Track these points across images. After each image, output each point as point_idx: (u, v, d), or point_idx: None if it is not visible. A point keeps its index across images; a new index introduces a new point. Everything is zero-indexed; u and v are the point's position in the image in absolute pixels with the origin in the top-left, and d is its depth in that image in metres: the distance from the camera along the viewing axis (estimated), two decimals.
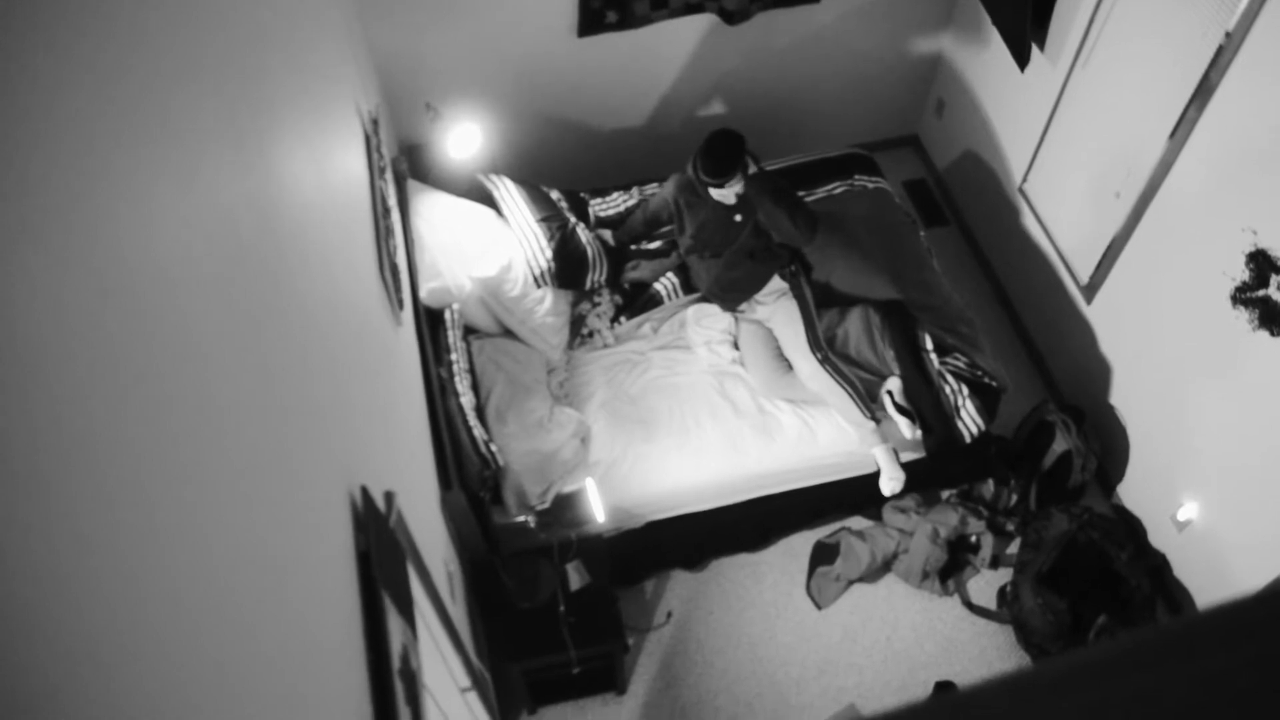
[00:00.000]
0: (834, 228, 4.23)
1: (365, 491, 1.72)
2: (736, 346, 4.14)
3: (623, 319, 4.21)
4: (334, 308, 1.90)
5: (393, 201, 3.39)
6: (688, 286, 4.28)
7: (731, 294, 4.13)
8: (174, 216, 1.06)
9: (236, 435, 1.11)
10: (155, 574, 0.83)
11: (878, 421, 3.89)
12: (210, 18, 1.39)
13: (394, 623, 1.64)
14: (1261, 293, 3.20)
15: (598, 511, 3.28)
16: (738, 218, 3.90)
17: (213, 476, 1.01)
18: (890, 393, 3.90)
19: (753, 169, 3.84)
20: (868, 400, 3.88)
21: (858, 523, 4.29)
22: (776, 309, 4.10)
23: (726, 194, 3.79)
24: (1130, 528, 4.13)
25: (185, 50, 1.22)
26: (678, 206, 4.05)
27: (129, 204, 0.93)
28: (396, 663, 1.61)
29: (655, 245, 4.41)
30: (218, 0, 1.46)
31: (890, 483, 3.97)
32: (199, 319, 1.07)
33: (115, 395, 0.81)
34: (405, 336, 3.08)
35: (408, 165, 4.15)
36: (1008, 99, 4.63)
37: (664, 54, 4.69)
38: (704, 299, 4.24)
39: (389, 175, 3.43)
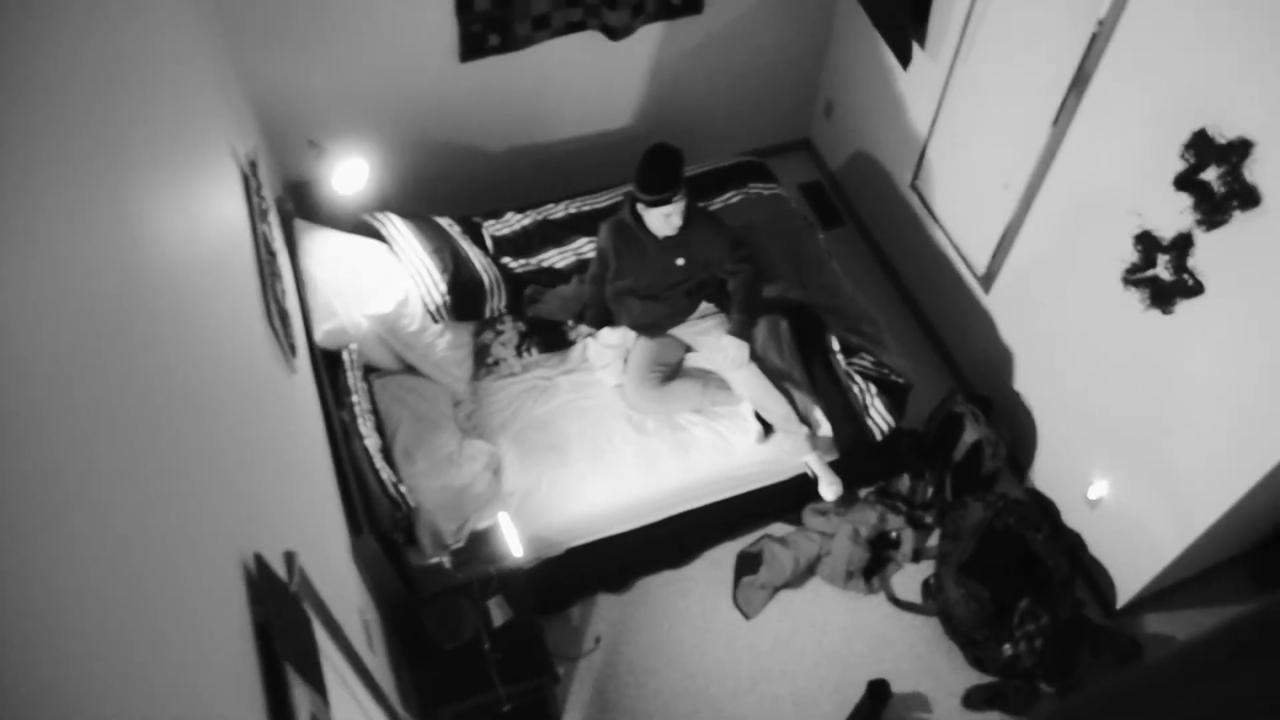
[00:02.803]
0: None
1: (260, 559, 1.64)
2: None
3: (533, 350, 4.12)
4: (215, 365, 1.81)
5: (279, 244, 3.29)
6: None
7: (661, 326, 4.05)
8: (13, 286, 0.98)
9: (98, 517, 1.03)
10: (21, 670, 0.75)
11: (813, 429, 3.90)
12: (51, 64, 1.30)
13: (300, 694, 1.56)
14: (1150, 273, 3.27)
15: (514, 546, 3.22)
16: (680, 261, 3.78)
17: (72, 567, 0.93)
18: (806, 462, 3.97)
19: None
20: (800, 408, 3.89)
21: (779, 529, 4.29)
22: (703, 327, 4.06)
23: (664, 216, 3.58)
24: (1045, 510, 4.20)
25: (20, 100, 1.14)
26: (616, 253, 3.83)
27: None
28: None
29: (562, 264, 4.33)
30: (59, 45, 1.37)
31: (831, 488, 4.03)
32: (45, 399, 0.99)
33: None
34: (301, 383, 2.98)
35: (293, 205, 4.04)
36: (894, 97, 4.69)
37: (550, 74, 4.65)
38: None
39: (273, 217, 3.32)
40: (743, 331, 3.85)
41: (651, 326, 4.03)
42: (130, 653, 1.02)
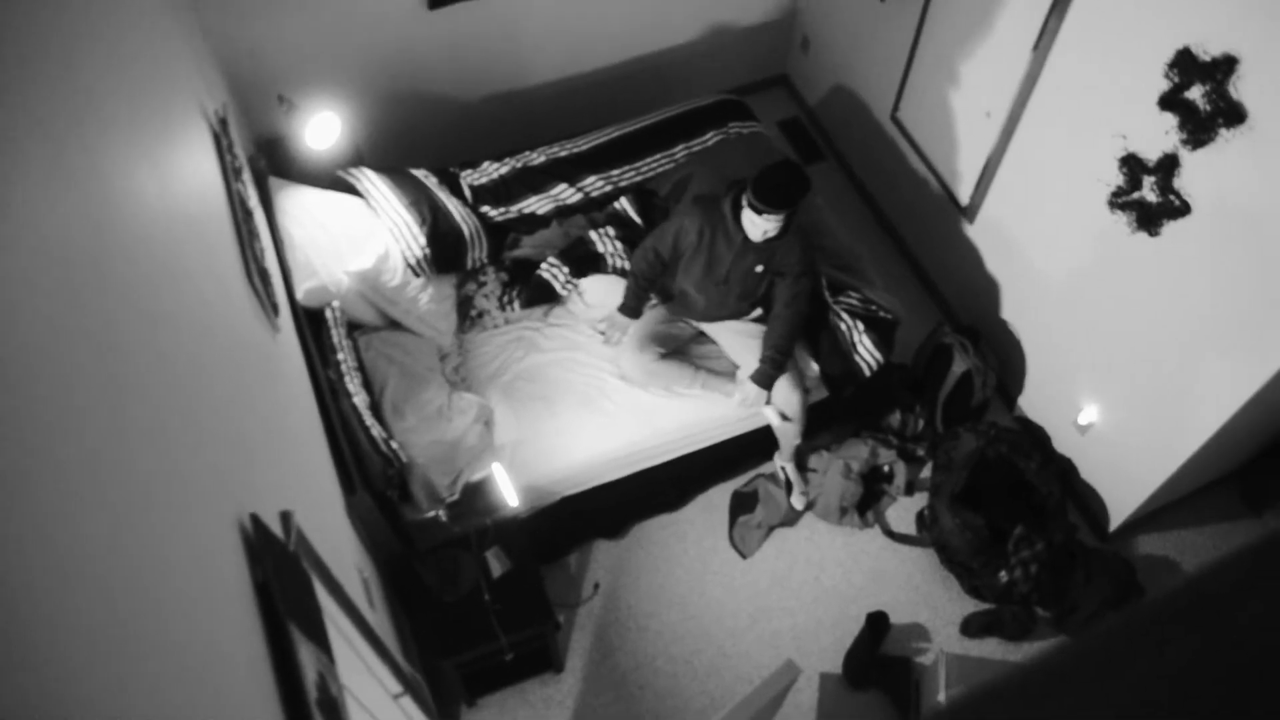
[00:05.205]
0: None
1: (256, 519, 1.62)
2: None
3: (516, 304, 4.08)
4: (198, 325, 1.78)
5: (254, 202, 3.23)
6: (580, 274, 4.10)
7: (717, 311, 3.91)
8: None
9: (86, 478, 1.01)
10: (20, 639, 0.73)
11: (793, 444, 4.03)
12: (17, 24, 1.25)
13: (305, 652, 1.55)
14: (1136, 195, 3.26)
15: (509, 496, 3.20)
16: (759, 269, 3.64)
17: (61, 530, 0.91)
18: (784, 468, 4.09)
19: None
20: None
21: (772, 468, 4.29)
22: (738, 328, 3.95)
23: (761, 226, 3.42)
24: (1035, 437, 4.22)
25: None
26: (700, 237, 3.63)
27: None
28: (313, 693, 1.52)
29: (543, 211, 4.27)
30: (16, 6, 1.32)
31: (802, 498, 4.11)
32: (27, 362, 0.96)
33: None
34: (286, 343, 2.94)
35: (266, 162, 3.96)
36: (871, 29, 4.63)
37: (521, 18, 4.56)
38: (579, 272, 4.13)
39: (246, 175, 3.25)
40: (765, 381, 3.74)
41: (702, 316, 3.93)
42: (129, 617, 1.00)
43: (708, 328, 3.98)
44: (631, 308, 3.92)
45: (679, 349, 3.95)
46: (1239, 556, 0.43)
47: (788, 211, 3.38)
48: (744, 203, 3.43)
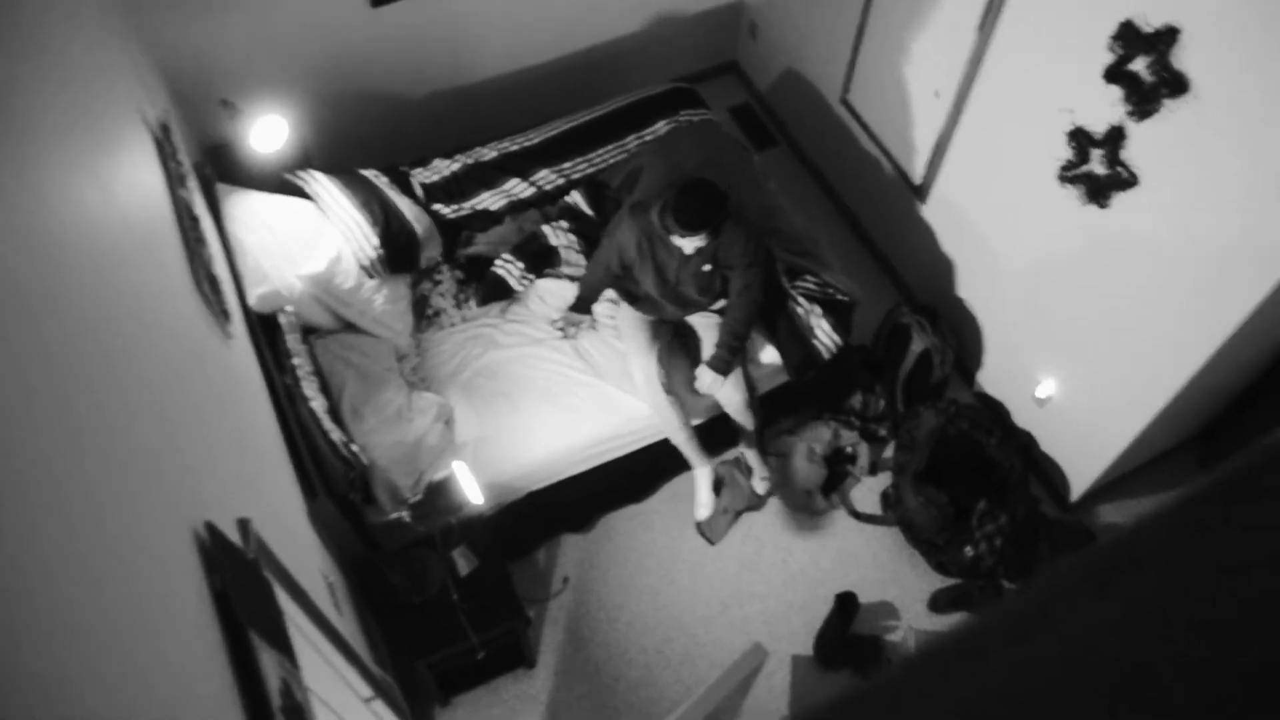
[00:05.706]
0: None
1: (211, 527, 1.59)
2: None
3: (473, 302, 4.05)
4: (146, 335, 1.75)
5: (201, 209, 3.18)
6: (535, 270, 4.09)
7: (683, 310, 3.91)
8: None
9: (18, 504, 0.98)
10: None
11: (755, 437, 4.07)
12: None
13: (268, 659, 1.53)
14: (1085, 168, 3.29)
15: (473, 494, 3.18)
16: (706, 267, 3.61)
17: (2, 551, 0.89)
18: (745, 454, 4.12)
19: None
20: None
21: (736, 453, 4.30)
22: (710, 321, 3.94)
23: (690, 244, 3.42)
24: (995, 413, 4.26)
25: None
26: (640, 251, 3.62)
27: None
28: (277, 700, 1.50)
29: (496, 207, 4.26)
30: None
31: (764, 483, 4.12)
32: None
33: None
34: (239, 350, 2.90)
35: (212, 168, 3.91)
36: (818, 13, 4.63)
37: (466, 13, 4.52)
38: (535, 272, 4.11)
39: (192, 182, 3.20)
40: (722, 367, 3.72)
41: (675, 310, 3.90)
42: (80, 628, 0.98)
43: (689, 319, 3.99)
44: (583, 309, 3.94)
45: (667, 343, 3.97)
46: (1179, 506, 0.43)
47: (706, 230, 3.35)
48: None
